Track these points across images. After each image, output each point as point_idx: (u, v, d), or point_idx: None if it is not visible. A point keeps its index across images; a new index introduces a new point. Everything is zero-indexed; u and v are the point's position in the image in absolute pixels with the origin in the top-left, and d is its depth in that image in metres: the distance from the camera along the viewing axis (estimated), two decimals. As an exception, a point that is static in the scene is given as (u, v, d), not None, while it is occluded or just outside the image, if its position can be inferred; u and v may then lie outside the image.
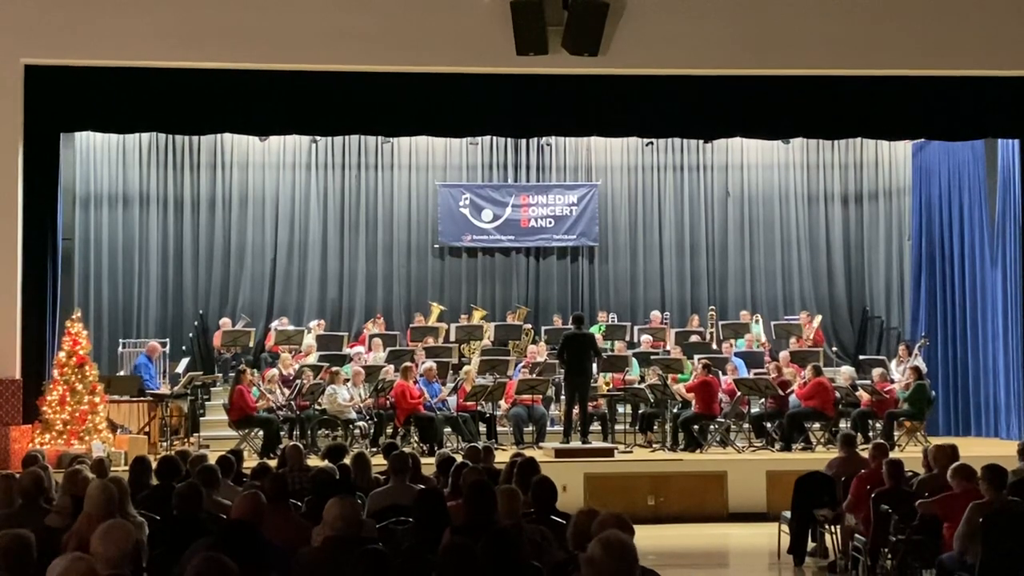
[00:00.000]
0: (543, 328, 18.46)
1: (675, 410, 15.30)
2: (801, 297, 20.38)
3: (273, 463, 10.99)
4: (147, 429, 14.84)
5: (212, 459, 8.88)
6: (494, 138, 19.90)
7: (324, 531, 5.81)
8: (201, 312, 19.35)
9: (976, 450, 13.00)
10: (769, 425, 15.41)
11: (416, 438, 14.93)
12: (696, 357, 16.12)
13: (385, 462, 9.10)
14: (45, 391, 13.51)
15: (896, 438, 15.06)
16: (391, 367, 15.88)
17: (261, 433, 14.79)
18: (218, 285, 19.75)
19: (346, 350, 17.05)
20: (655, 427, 15.79)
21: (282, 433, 14.84)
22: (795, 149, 20.52)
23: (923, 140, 18.22)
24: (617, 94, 14.88)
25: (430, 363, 15.75)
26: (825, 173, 20.78)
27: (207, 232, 19.79)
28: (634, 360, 16.61)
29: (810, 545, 10.76)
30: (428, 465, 10.11)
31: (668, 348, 17.35)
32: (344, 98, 14.73)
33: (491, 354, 16.73)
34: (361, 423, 15.34)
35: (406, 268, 20.16)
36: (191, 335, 18.94)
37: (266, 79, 14.41)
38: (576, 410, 14.45)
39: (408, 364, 15.40)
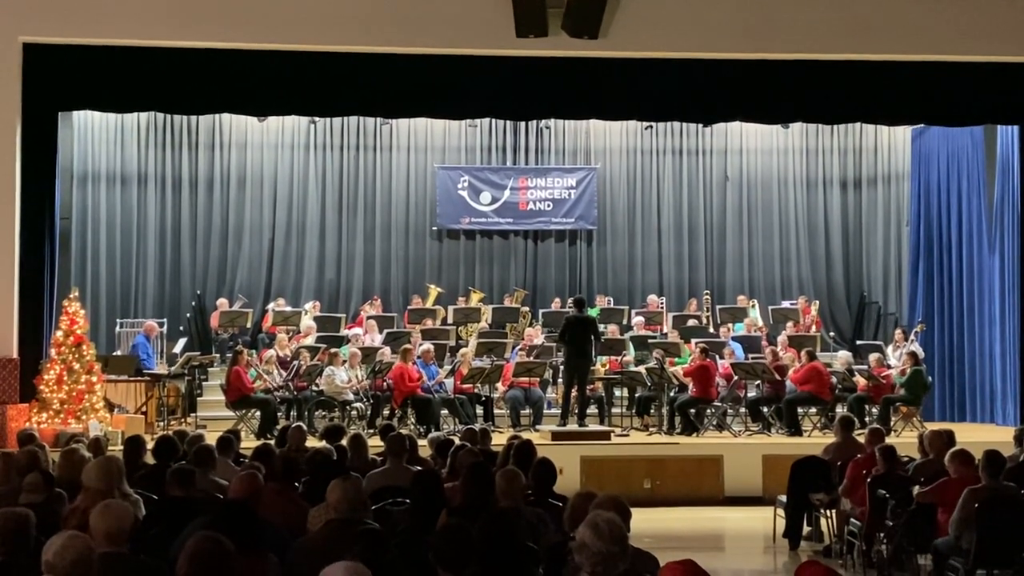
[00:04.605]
0: (541, 311, 18.47)
1: (672, 394, 15.32)
2: (799, 282, 20.40)
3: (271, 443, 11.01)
4: (144, 409, 14.86)
5: (209, 439, 8.89)
6: (493, 120, 19.85)
7: (327, 514, 5.81)
8: (199, 292, 19.35)
9: (972, 435, 13.04)
10: (766, 409, 15.44)
11: (413, 420, 14.95)
12: (694, 341, 16.14)
13: (382, 443, 9.12)
14: (42, 370, 13.51)
15: (892, 423, 15.09)
16: (388, 349, 15.89)
17: (258, 414, 14.81)
18: (216, 265, 19.74)
19: (343, 331, 17.06)
20: (652, 411, 15.81)
21: (279, 414, 14.86)
22: (794, 134, 20.51)
23: (922, 125, 18.23)
24: (617, 77, 14.85)
25: (427, 345, 15.76)
26: (824, 158, 20.77)
27: (205, 212, 19.77)
28: (631, 344, 16.63)
29: (806, 529, 10.79)
30: (424, 447, 10.11)
31: (665, 331, 17.37)
32: (343, 79, 14.69)
33: (488, 337, 16.73)
34: (358, 404, 15.37)
35: (404, 250, 20.15)
36: (188, 315, 18.95)
37: (265, 59, 14.36)
38: (574, 393, 14.45)
39: (408, 346, 15.40)
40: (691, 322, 17.82)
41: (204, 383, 16.93)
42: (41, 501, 6.58)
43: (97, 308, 18.59)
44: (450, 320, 17.88)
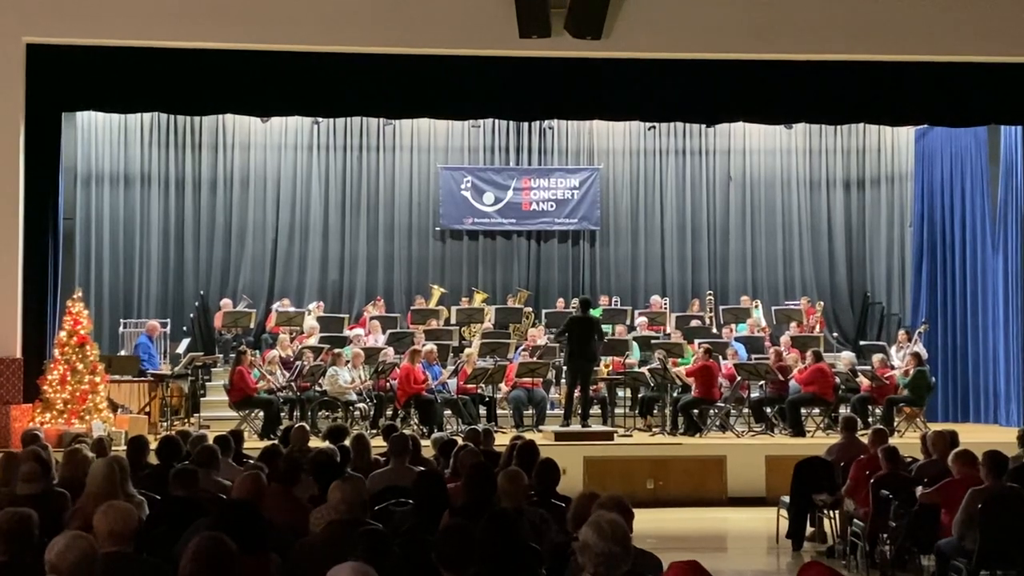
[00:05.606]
0: (544, 311, 18.46)
1: (675, 394, 15.32)
2: (802, 282, 20.39)
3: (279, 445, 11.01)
4: (147, 409, 14.87)
5: (212, 439, 8.90)
6: (496, 121, 19.85)
7: (328, 515, 5.82)
8: (202, 292, 19.35)
9: (975, 436, 13.02)
10: (769, 410, 15.44)
11: (416, 420, 14.96)
12: (697, 341, 16.14)
13: (385, 444, 9.13)
14: (46, 370, 13.52)
15: (895, 424, 15.08)
16: (390, 349, 15.89)
17: (261, 414, 14.81)
18: (219, 266, 19.75)
19: (346, 332, 17.06)
20: (655, 411, 15.82)
21: (282, 414, 14.87)
22: (797, 134, 20.51)
23: (926, 126, 18.22)
24: (620, 77, 14.84)
25: (431, 346, 15.76)
26: (827, 158, 20.76)
27: (208, 212, 19.78)
28: (634, 344, 16.63)
29: (809, 530, 10.79)
30: (427, 447, 10.12)
31: (668, 332, 17.36)
32: (346, 79, 14.69)
33: (492, 337, 16.73)
34: (361, 405, 15.37)
35: (407, 250, 20.15)
36: (192, 315, 18.94)
37: (268, 60, 14.37)
38: (577, 393, 14.43)
39: (416, 348, 15.38)
40: (694, 323, 17.81)
41: (207, 383, 16.92)
42: (39, 492, 6.58)
43: (100, 308, 18.60)
44: (453, 320, 17.89)
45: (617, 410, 16.10)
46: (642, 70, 14.79)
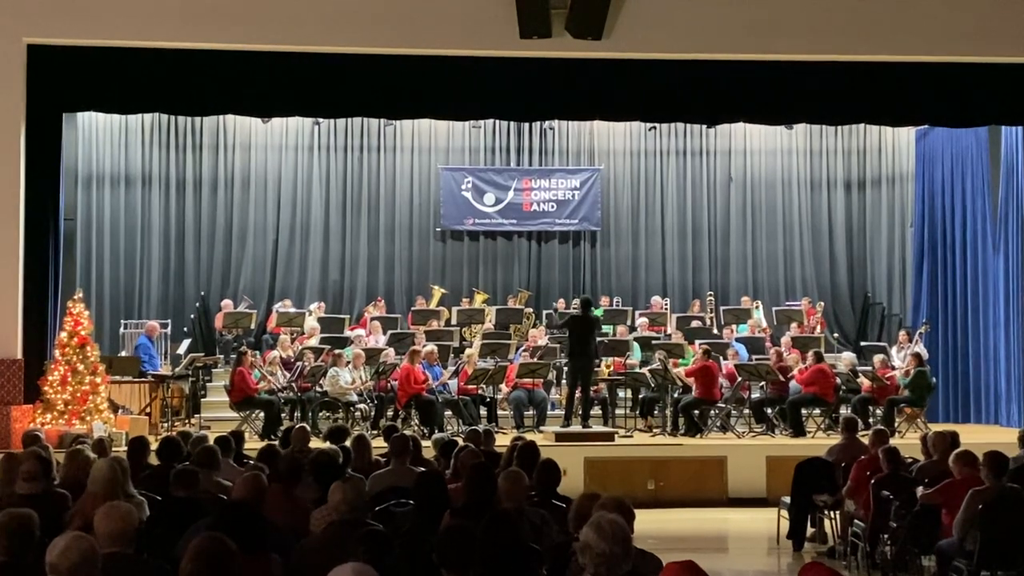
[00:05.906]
0: (544, 312, 18.47)
1: (675, 395, 15.32)
2: (803, 283, 20.40)
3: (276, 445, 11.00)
4: (148, 410, 14.87)
5: (212, 440, 8.90)
6: (497, 121, 19.86)
7: (329, 515, 5.82)
8: (203, 293, 19.36)
9: (976, 437, 13.01)
10: (769, 411, 15.43)
11: (416, 421, 14.95)
12: (697, 342, 16.13)
13: (385, 444, 9.13)
14: (47, 371, 13.52)
15: (896, 424, 15.08)
16: (391, 350, 15.89)
17: (262, 415, 14.81)
18: (220, 266, 19.76)
19: (347, 333, 17.06)
20: (655, 412, 15.81)
21: (283, 415, 14.87)
22: (798, 135, 20.51)
23: (926, 126, 18.22)
24: (620, 78, 14.84)
25: (431, 346, 15.76)
26: (828, 159, 20.76)
27: (209, 213, 19.79)
28: (635, 344, 16.64)
29: (809, 531, 10.78)
30: (428, 448, 10.12)
31: (669, 332, 17.37)
32: (347, 80, 14.70)
33: (492, 338, 16.73)
34: (362, 405, 15.37)
35: (408, 251, 20.15)
36: (192, 316, 18.94)
37: (269, 60, 14.37)
38: (578, 394, 14.43)
39: (416, 348, 15.39)
40: (695, 323, 17.81)
41: (208, 384, 16.93)
42: (39, 493, 6.57)
43: (101, 309, 18.62)
44: (454, 321, 17.88)
45: (618, 411, 16.08)
46: (642, 70, 14.79)
